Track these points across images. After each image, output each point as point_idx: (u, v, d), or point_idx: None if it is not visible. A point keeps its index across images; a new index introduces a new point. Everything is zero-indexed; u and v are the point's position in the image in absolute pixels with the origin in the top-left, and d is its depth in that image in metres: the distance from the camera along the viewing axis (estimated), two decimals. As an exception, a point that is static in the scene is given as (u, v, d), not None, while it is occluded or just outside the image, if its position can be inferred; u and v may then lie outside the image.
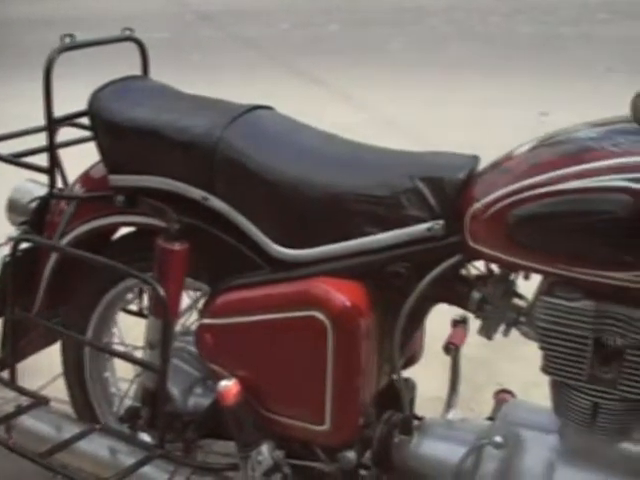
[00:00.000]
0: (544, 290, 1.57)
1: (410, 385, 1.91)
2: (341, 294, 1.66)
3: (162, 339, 1.83)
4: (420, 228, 1.64)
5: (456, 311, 1.78)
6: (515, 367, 2.62)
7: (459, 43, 5.55)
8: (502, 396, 1.93)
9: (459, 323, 1.92)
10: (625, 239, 1.44)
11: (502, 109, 4.40)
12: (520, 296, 1.68)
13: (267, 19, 7.50)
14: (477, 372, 2.74)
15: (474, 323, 1.73)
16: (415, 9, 6.26)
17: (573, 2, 6.06)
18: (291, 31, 6.95)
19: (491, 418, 1.84)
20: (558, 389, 1.61)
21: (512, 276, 1.67)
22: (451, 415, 1.93)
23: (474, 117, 4.39)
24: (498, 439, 1.64)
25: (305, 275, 1.71)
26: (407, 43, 5.61)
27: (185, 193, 1.82)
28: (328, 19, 6.94)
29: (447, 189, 1.63)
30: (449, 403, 1.94)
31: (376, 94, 4.85)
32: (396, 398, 1.77)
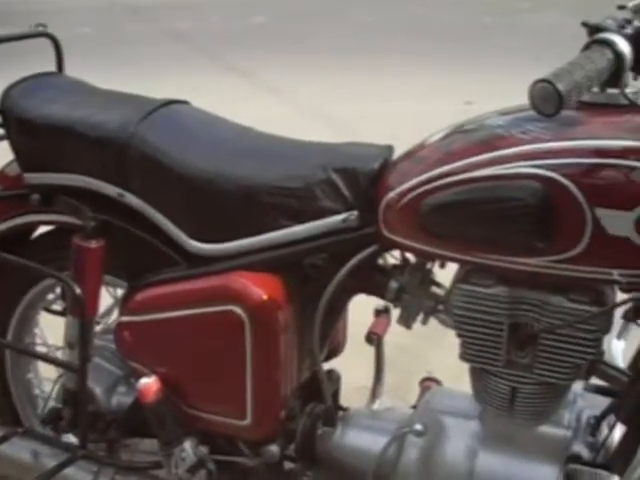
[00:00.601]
0: (460, 278, 1.59)
1: (334, 376, 1.91)
2: (258, 288, 1.65)
3: (80, 338, 1.81)
4: (335, 219, 1.64)
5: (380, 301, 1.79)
6: (445, 354, 2.62)
7: (385, 34, 5.58)
8: (427, 384, 1.94)
9: (381, 312, 1.92)
10: (535, 225, 1.45)
11: (428, 99, 4.43)
12: (438, 284, 1.69)
13: (197, 12, 7.46)
14: (407, 360, 2.77)
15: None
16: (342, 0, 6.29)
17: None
18: (220, 24, 6.93)
19: (416, 406, 1.85)
20: (477, 375, 1.63)
21: (429, 265, 1.68)
22: (376, 405, 1.94)
23: (400, 107, 4.42)
24: (418, 427, 1.65)
25: (222, 270, 1.70)
26: (333, 34, 5.62)
27: (101, 190, 1.80)
28: (256, 11, 6.92)
29: (361, 179, 1.63)
30: (374, 393, 1.95)
31: (303, 86, 4.86)
32: (320, 390, 1.77)
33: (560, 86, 1.17)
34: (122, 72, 5.16)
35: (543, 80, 1.18)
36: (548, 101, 1.19)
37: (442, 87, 4.50)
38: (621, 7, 1.39)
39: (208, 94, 4.69)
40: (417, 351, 2.76)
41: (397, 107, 4.45)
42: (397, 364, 2.73)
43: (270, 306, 1.65)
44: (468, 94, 3.77)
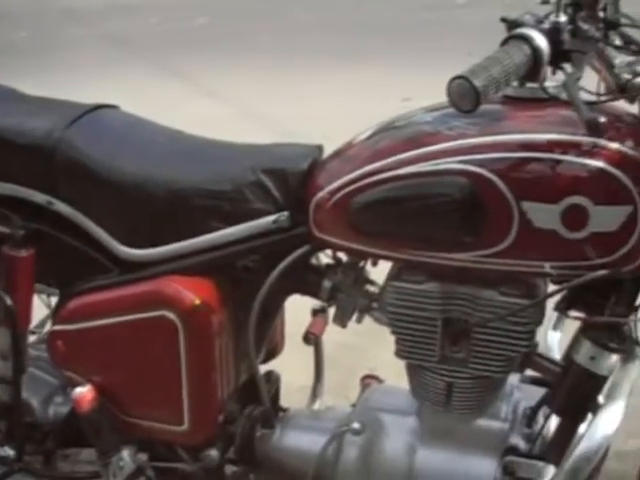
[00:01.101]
0: (392, 275, 1.59)
1: (274, 377, 1.90)
2: (190, 292, 1.64)
3: (14, 350, 1.78)
4: (266, 221, 1.63)
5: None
6: (387, 351, 2.63)
7: (325, 32, 5.58)
8: (367, 381, 1.94)
9: (319, 312, 1.91)
10: (463, 221, 1.46)
11: (366, 96, 4.45)
12: (371, 282, 1.70)
13: (136, 15, 7.39)
14: (349, 358, 2.76)
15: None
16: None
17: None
18: (160, 26, 6.88)
19: (355, 405, 1.86)
20: (413, 372, 1.64)
21: (362, 263, 1.68)
22: (317, 404, 1.94)
23: (339, 106, 4.43)
24: (356, 425, 1.66)
25: (154, 275, 1.69)
26: (274, 34, 5.61)
27: (30, 198, 1.78)
28: (197, 12, 6.89)
29: (290, 180, 1.63)
30: (315, 392, 1.95)
31: (242, 87, 4.84)
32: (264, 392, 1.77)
33: (477, 82, 1.17)
34: (59, 77, 5.09)
35: (460, 77, 1.18)
36: (465, 97, 1.19)
37: (380, 84, 4.52)
38: (545, 2, 1.40)
39: (148, 97, 4.66)
40: (359, 348, 2.76)
41: (336, 105, 4.46)
42: (339, 362, 2.72)
43: (203, 310, 1.64)
44: (406, 91, 3.79)
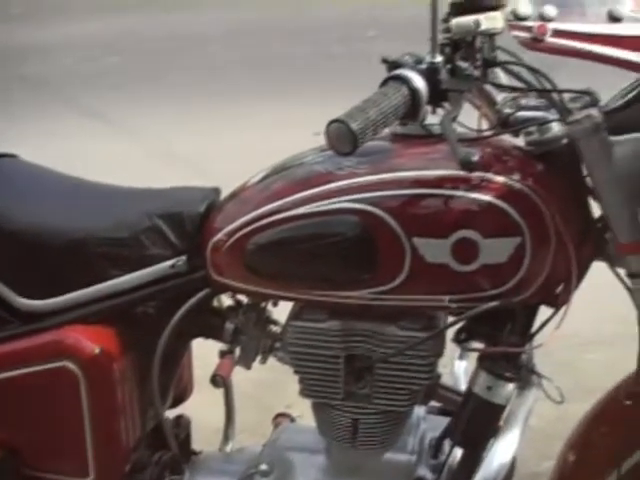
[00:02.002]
0: (293, 314, 1.60)
1: (184, 422, 1.89)
2: (90, 341, 1.62)
3: None
4: (164, 266, 1.63)
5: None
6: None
7: (238, 69, 5.59)
8: (279, 420, 1.94)
9: (226, 353, 1.91)
10: (357, 259, 1.48)
11: (280, 132, 4.47)
12: (274, 322, 1.70)
13: (49, 55, 7.33)
14: (267, 395, 2.75)
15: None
16: (195, 36, 6.27)
17: (344, 19, 6.23)
18: (74, 66, 6.82)
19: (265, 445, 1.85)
20: (318, 410, 1.64)
21: (263, 304, 1.68)
22: (230, 446, 1.93)
23: (252, 143, 4.44)
24: (264, 467, 1.66)
25: (54, 325, 1.67)
26: (189, 72, 5.60)
27: None
28: (111, 51, 6.86)
29: (187, 224, 1.63)
30: (226, 434, 1.94)
31: (156, 126, 4.83)
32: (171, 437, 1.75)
33: (354, 125, 1.19)
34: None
35: (337, 120, 1.20)
36: (343, 140, 1.21)
37: (293, 119, 4.55)
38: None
39: (62, 139, 4.63)
40: (276, 385, 2.75)
41: (250, 142, 4.47)
42: (257, 400, 2.72)
43: (103, 359, 1.62)
44: (318, 125, 3.80)
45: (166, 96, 5.32)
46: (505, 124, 1.49)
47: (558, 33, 1.31)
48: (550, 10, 1.30)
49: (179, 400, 1.90)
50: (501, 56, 1.47)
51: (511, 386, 1.55)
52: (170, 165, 4.45)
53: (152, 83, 5.51)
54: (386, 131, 1.38)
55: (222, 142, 4.63)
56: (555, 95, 1.43)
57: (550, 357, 2.89)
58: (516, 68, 1.48)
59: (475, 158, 1.26)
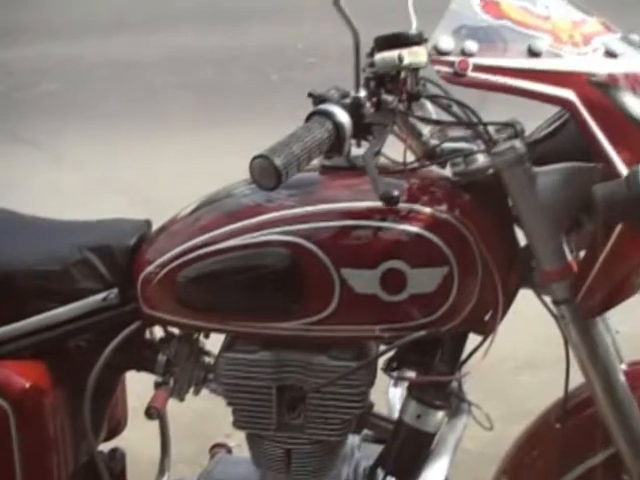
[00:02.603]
0: (225, 346, 1.60)
1: (119, 455, 1.87)
2: (20, 376, 1.60)
3: None
4: (95, 299, 1.63)
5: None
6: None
7: (175, 95, 5.58)
8: (215, 450, 1.94)
9: (161, 385, 1.90)
10: (287, 290, 1.49)
11: (218, 159, 4.47)
12: (206, 353, 1.70)
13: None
14: (207, 425, 2.74)
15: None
16: (132, 63, 6.25)
17: (284, 47, 6.26)
18: (8, 92, 6.74)
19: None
20: (252, 441, 1.64)
21: (195, 335, 1.68)
22: (165, 478, 1.92)
23: (190, 169, 4.43)
24: None
25: None
26: (124, 98, 5.57)
27: None
28: (47, 78, 6.78)
29: (117, 257, 1.63)
30: (162, 466, 1.92)
31: (92, 153, 4.80)
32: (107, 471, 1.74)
33: (277, 161, 1.20)
34: None
35: (260, 156, 1.21)
36: (267, 176, 1.22)
37: (232, 144, 4.54)
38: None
39: (-4, 168, 4.57)
40: (216, 415, 2.74)
41: (189, 167, 4.45)
42: (196, 430, 2.71)
43: (34, 394, 1.60)
44: (255, 150, 3.81)
45: (103, 123, 5.28)
46: (432, 156, 1.51)
47: (479, 68, 1.33)
48: (471, 45, 1.33)
49: (113, 433, 1.89)
50: (433, 89, 1.50)
51: (441, 414, 1.57)
52: (107, 193, 4.43)
53: (89, 110, 5.47)
54: (315, 162, 1.40)
55: (158, 167, 4.61)
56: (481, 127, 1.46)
57: (484, 381, 2.94)
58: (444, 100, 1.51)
59: (395, 193, 1.28)
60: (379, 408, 1.74)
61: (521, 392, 2.94)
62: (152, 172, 4.56)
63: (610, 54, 1.38)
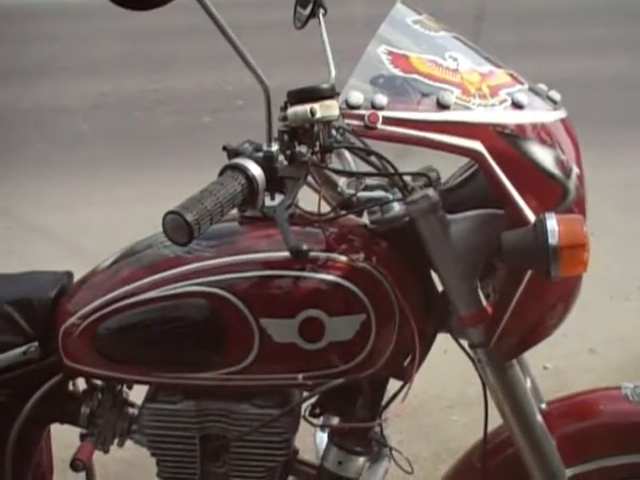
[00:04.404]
0: (148, 396, 1.61)
1: None
2: None
3: None
4: (15, 353, 1.61)
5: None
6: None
7: (100, 141, 5.53)
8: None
9: (85, 437, 1.89)
10: (206, 341, 1.50)
11: (149, 205, 4.44)
12: (130, 404, 1.70)
13: None
14: (137, 474, 2.72)
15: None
16: (56, 108, 6.20)
17: (214, 91, 6.28)
18: None
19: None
20: None
21: (118, 386, 1.68)
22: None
23: (122, 216, 4.40)
24: None
25: None
26: (47, 144, 5.51)
27: None
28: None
29: (37, 309, 1.62)
30: None
31: (18, 199, 4.73)
32: None
33: (189, 217, 1.21)
34: None
35: (172, 212, 1.22)
36: (179, 232, 1.23)
37: (164, 189, 4.54)
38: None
39: None
40: (147, 463, 2.73)
41: (115, 217, 4.42)
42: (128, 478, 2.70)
43: None
44: (187, 194, 3.81)
45: (25, 168, 5.21)
46: (348, 205, 1.54)
47: (389, 120, 1.36)
48: (381, 99, 1.36)
49: (39, 486, 1.86)
50: (352, 138, 1.52)
51: (362, 459, 1.58)
52: (35, 240, 4.37)
53: (10, 155, 5.39)
54: (234, 212, 1.41)
55: (85, 216, 4.57)
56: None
57: (416, 420, 2.98)
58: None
59: (304, 247, 1.30)
60: (306, 454, 1.75)
61: (452, 431, 2.98)
62: (77, 221, 4.52)
63: (517, 105, 1.42)
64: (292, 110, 1.36)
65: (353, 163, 1.67)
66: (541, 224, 1.31)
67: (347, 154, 1.67)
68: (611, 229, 4.05)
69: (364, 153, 1.53)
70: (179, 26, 5.94)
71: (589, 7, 7.93)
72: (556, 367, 3.28)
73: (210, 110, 6.09)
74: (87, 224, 4.44)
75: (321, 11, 1.77)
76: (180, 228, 1.21)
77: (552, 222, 1.30)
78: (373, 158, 1.53)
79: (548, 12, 7.84)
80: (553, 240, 1.29)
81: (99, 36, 7.79)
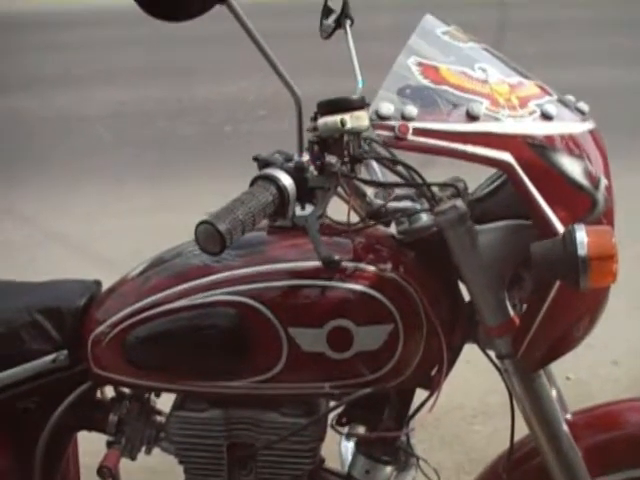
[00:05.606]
0: (176, 404, 1.62)
1: None
2: None
3: None
4: (45, 361, 1.63)
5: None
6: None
7: (125, 150, 5.56)
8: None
9: (112, 444, 1.90)
10: (235, 350, 1.51)
11: (170, 214, 4.47)
12: (158, 412, 1.71)
13: None
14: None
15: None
16: (78, 117, 6.24)
17: (235, 100, 6.30)
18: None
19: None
20: None
21: (146, 395, 1.69)
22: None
23: (144, 225, 4.41)
24: None
25: None
26: (72, 153, 5.55)
27: None
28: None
29: (67, 318, 1.64)
30: None
31: (40, 208, 4.77)
32: None
33: (221, 226, 1.22)
34: None
35: (205, 222, 1.23)
36: (211, 241, 1.23)
37: (184, 201, 4.57)
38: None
39: None
40: (169, 472, 2.74)
41: (141, 224, 4.44)
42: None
43: None
44: (210, 205, 3.83)
45: (50, 177, 5.24)
46: (376, 215, 1.55)
47: (419, 131, 1.37)
48: (411, 110, 1.37)
49: (66, 494, 1.88)
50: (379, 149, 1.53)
51: (389, 469, 1.59)
52: (60, 247, 4.40)
53: (36, 164, 5.42)
54: (263, 222, 1.42)
55: (111, 223, 4.59)
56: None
57: (439, 430, 2.98)
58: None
59: (336, 257, 1.31)
60: (331, 462, 1.75)
61: (475, 441, 2.97)
62: (103, 228, 4.55)
63: (546, 116, 1.43)
64: (322, 121, 1.37)
65: (380, 173, 1.68)
66: (570, 235, 1.31)
67: (374, 164, 1.67)
68: (636, 238, 4.03)
69: (392, 163, 1.54)
70: (200, 35, 5.96)
71: (608, 18, 7.93)
72: (579, 378, 3.26)
73: (234, 120, 6.11)
74: (108, 233, 4.47)
75: (348, 22, 1.78)
76: (212, 238, 1.22)
77: (581, 233, 1.30)
78: (401, 168, 1.54)
79: (569, 20, 7.85)
80: (582, 251, 1.29)
81: (119, 44, 7.85)
